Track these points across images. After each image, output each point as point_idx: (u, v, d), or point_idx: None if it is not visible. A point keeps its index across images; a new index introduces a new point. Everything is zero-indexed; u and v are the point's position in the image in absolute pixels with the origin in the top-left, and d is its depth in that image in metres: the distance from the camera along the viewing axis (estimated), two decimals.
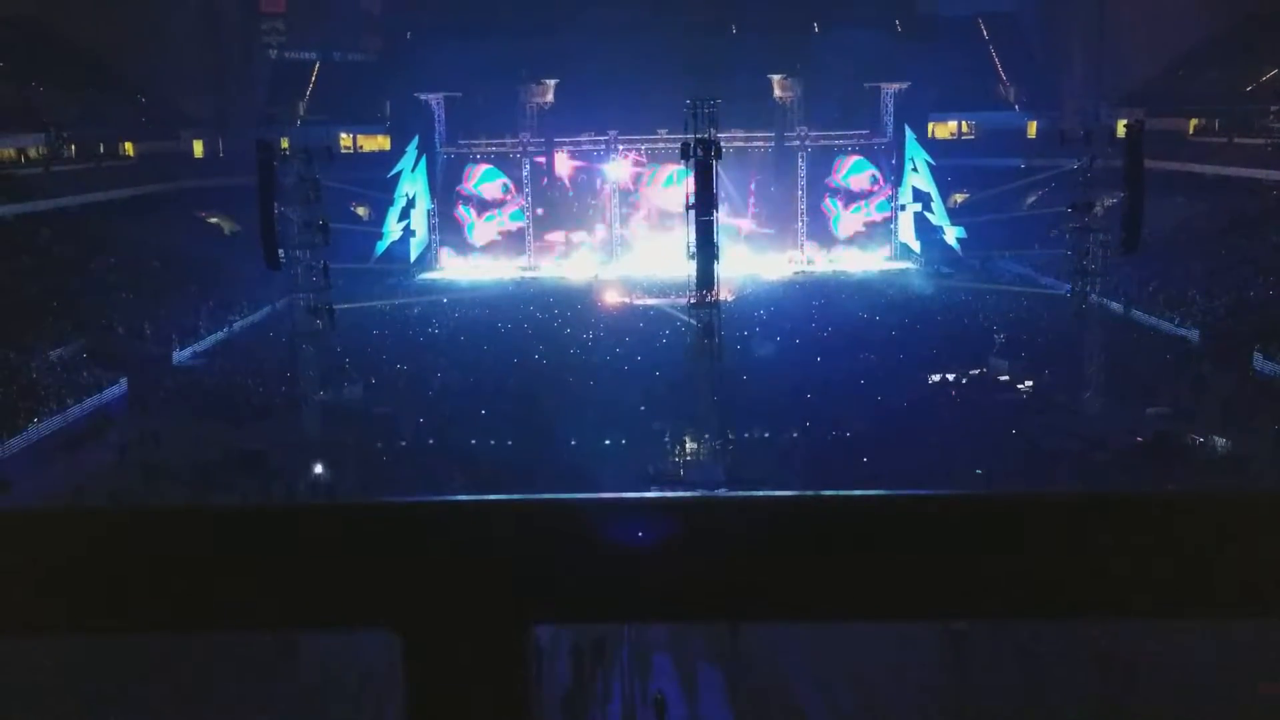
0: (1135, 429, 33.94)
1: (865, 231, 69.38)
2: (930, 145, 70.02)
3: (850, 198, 69.38)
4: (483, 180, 69.66)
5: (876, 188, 69.39)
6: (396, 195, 65.72)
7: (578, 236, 68.93)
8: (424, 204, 67.52)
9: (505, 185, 69.42)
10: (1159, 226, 45.76)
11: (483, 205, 69.39)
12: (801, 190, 68.32)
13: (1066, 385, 38.75)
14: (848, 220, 69.35)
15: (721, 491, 26.98)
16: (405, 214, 66.38)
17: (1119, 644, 19.75)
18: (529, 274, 66.58)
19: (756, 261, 65.16)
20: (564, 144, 69.00)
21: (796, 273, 65.39)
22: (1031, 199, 66.41)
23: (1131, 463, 31.30)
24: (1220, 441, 32.72)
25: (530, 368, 42.82)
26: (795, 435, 34.30)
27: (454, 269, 67.88)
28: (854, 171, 69.55)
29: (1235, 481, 29.32)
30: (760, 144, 68.76)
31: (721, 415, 33.90)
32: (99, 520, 1.29)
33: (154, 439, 34.95)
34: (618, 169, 68.79)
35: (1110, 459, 31.90)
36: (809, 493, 1.27)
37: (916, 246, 67.49)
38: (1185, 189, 59.37)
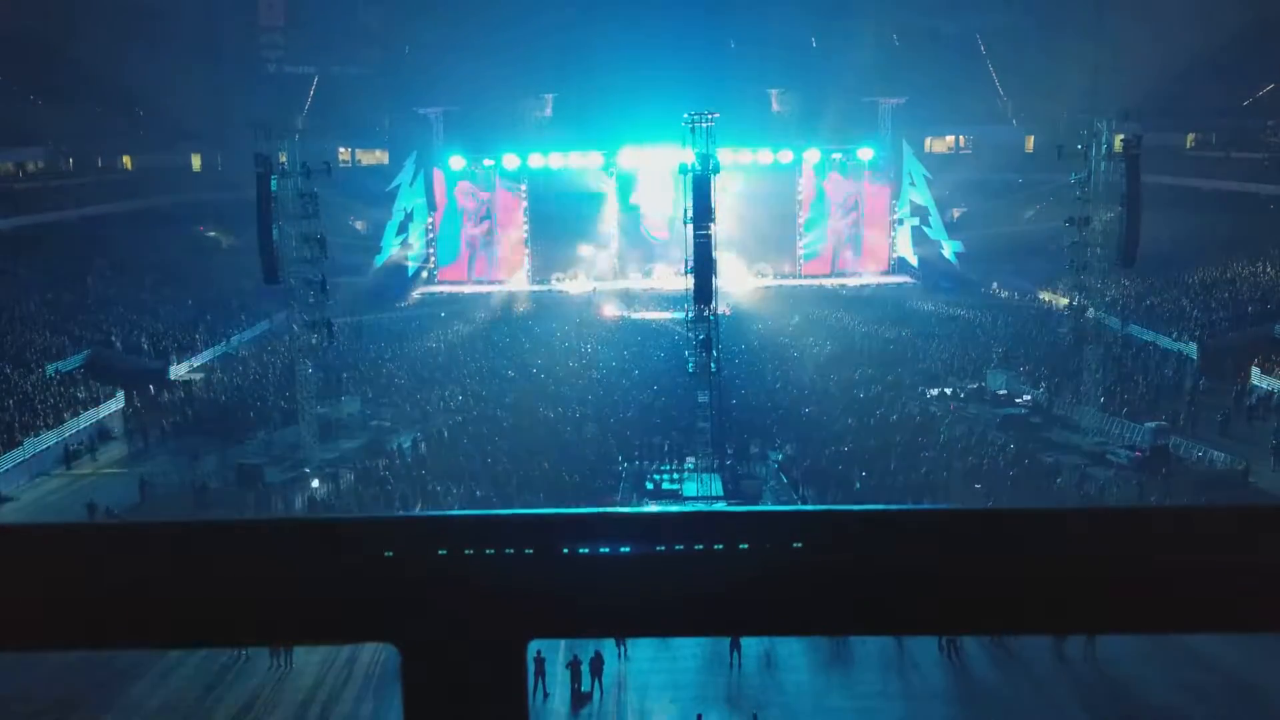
0: (1133, 443, 33.92)
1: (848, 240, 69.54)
2: (928, 159, 70.14)
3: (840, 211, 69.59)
4: (477, 194, 69.60)
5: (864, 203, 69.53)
6: (395, 209, 65.73)
7: (575, 250, 68.80)
8: (422, 218, 67.56)
9: (498, 202, 69.38)
10: (1157, 241, 45.71)
11: (479, 219, 69.34)
12: (799, 204, 68.42)
13: (1065, 399, 38.77)
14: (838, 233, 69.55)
15: (719, 506, 26.88)
16: (403, 228, 66.42)
17: (1120, 655, 19.73)
18: (527, 288, 66.53)
19: (752, 275, 65.16)
20: (562, 158, 68.94)
21: (794, 286, 65.41)
22: (1029, 213, 66.49)
23: (1130, 477, 31.31)
24: (1218, 455, 32.75)
25: (527, 381, 42.75)
26: (793, 450, 34.20)
27: (452, 283, 67.82)
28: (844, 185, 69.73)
29: (1233, 495, 29.30)
30: (758, 158, 68.71)
31: (719, 430, 33.80)
32: (97, 536, 1.28)
33: (150, 453, 34.83)
34: (616, 182, 68.75)
35: (1108, 473, 31.93)
36: (807, 507, 1.27)
37: (914, 260, 67.58)
38: (1183, 203, 59.43)
